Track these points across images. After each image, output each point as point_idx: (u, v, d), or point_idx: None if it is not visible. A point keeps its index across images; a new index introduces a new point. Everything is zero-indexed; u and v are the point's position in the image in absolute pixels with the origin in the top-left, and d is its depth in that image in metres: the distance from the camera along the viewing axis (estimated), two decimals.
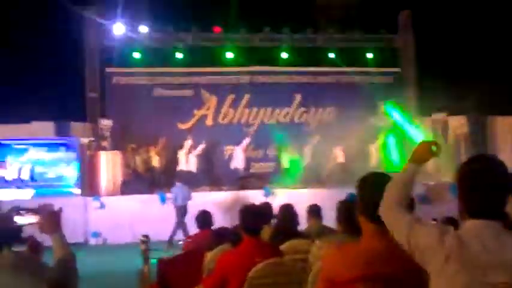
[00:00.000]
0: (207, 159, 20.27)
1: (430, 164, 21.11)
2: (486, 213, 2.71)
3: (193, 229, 9.47)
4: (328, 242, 5.35)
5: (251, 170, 20.64)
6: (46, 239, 3.58)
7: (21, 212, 3.62)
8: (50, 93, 18.26)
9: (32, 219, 3.56)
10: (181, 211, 15.67)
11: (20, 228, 3.54)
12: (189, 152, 19.31)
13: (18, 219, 3.62)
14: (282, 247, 6.01)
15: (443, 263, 2.64)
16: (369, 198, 3.22)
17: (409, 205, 7.31)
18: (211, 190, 18.54)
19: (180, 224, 15.51)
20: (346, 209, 5.48)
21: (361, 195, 3.31)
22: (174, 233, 15.32)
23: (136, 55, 20.47)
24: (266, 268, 4.84)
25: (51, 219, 3.47)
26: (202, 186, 18.51)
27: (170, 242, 14.83)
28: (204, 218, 7.91)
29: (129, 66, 20.52)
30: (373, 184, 3.26)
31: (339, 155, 20.29)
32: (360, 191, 3.31)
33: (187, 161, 19.18)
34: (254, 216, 5.17)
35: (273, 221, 7.73)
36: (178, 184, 16.17)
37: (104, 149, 19.05)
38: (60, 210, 3.49)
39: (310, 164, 20.15)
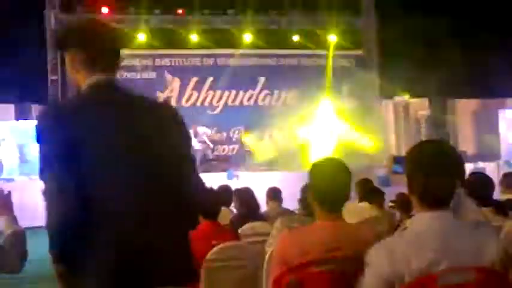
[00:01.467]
0: None
1: (392, 146, 21.43)
2: (440, 201, 2.58)
3: None
4: (288, 222, 5.39)
5: (215, 153, 20.54)
6: None
7: None
8: (10, 75, 17.98)
9: None
10: None
11: None
12: None
13: None
14: (241, 230, 6.04)
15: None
16: (319, 186, 3.24)
17: (373, 190, 7.46)
18: None
19: None
20: (305, 191, 5.54)
21: (311, 182, 3.29)
22: None
23: None
24: (222, 251, 4.85)
25: (1, 202, 3.51)
26: None
27: None
28: None
29: None
30: (324, 172, 3.27)
31: (302, 137, 20.33)
32: (311, 178, 3.28)
33: None
34: (211, 200, 5.17)
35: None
36: None
37: None
38: (9, 193, 3.53)
39: (274, 147, 20.18)
